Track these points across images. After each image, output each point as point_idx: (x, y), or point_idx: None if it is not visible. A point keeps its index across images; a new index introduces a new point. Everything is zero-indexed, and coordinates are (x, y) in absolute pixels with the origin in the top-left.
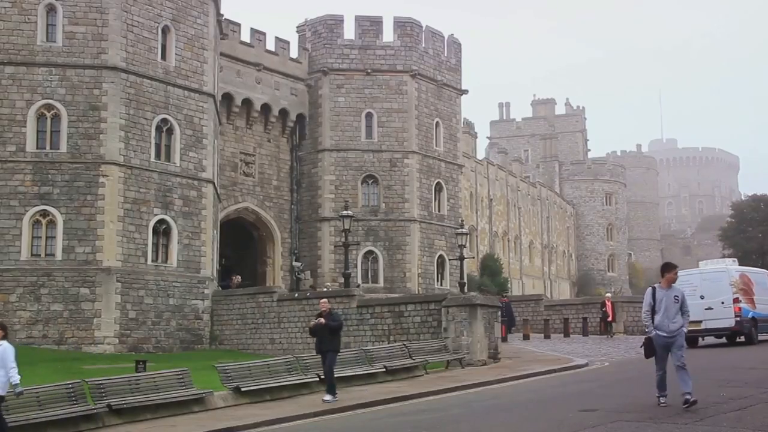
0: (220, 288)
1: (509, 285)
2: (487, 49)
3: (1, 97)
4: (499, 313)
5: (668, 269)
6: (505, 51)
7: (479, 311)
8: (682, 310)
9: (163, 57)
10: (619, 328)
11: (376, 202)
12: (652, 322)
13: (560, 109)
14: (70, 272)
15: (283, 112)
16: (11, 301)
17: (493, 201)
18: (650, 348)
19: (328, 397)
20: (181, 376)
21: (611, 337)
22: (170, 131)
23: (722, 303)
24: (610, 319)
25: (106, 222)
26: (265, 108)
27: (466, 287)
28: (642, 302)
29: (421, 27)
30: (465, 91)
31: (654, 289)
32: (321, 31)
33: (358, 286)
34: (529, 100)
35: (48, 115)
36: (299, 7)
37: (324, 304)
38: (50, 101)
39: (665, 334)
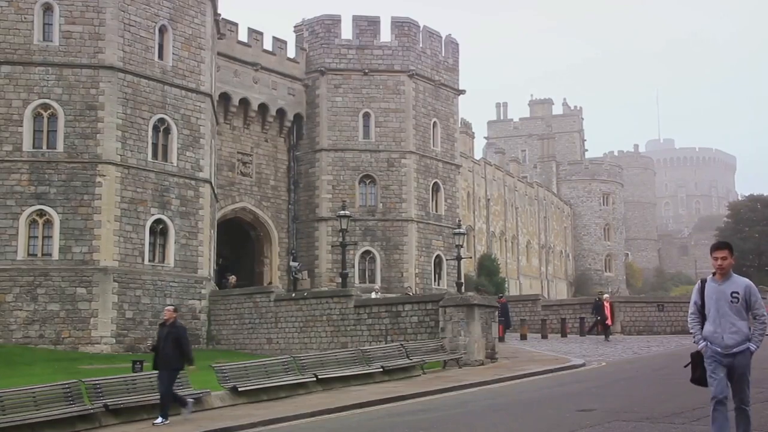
0: (217, 288)
1: (506, 285)
2: (484, 48)
3: None
4: (497, 313)
5: (713, 249)
6: (503, 51)
7: (476, 311)
8: (753, 313)
9: (161, 56)
10: (617, 328)
11: (374, 202)
12: (701, 330)
13: (557, 109)
14: (66, 272)
15: (281, 112)
16: (8, 301)
17: (491, 201)
18: (699, 369)
19: (158, 420)
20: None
21: (608, 339)
22: (167, 131)
23: None
24: (608, 322)
25: (103, 222)
26: (263, 108)
27: (463, 287)
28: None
29: (419, 27)
30: (462, 91)
31: (703, 282)
32: (318, 30)
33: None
34: (527, 100)
35: (45, 114)
36: (297, 6)
37: (168, 312)
38: (47, 101)
39: (720, 349)
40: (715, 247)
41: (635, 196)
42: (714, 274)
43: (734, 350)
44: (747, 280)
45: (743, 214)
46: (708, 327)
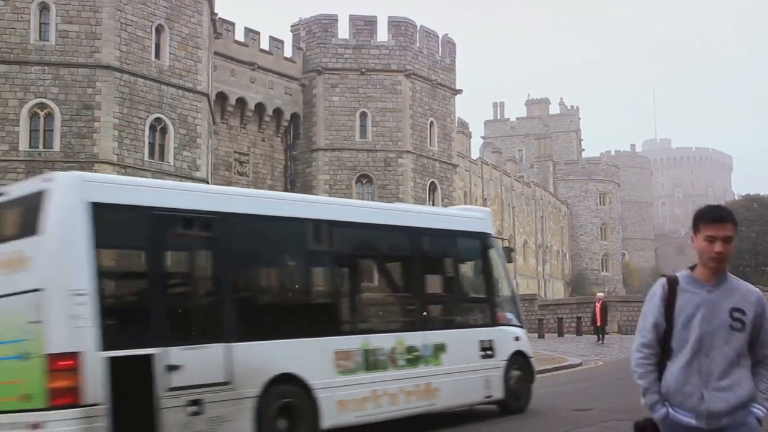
0: None
1: None
2: (482, 48)
3: None
4: None
5: (706, 220)
6: (500, 50)
7: None
8: (765, 352)
9: (157, 56)
10: (613, 327)
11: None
12: (658, 381)
13: (554, 109)
14: None
15: (278, 112)
16: None
17: (488, 201)
18: None
19: None
20: None
21: (601, 342)
22: (164, 130)
23: None
24: (598, 323)
25: None
26: (260, 107)
27: None
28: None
29: (416, 26)
30: (459, 91)
31: (672, 285)
32: (315, 30)
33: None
34: (524, 99)
35: (41, 114)
36: (294, 6)
37: None
38: (43, 100)
39: (693, 421)
40: (713, 218)
41: (632, 195)
42: (692, 268)
43: (723, 422)
44: (756, 289)
45: (740, 213)
46: (673, 374)
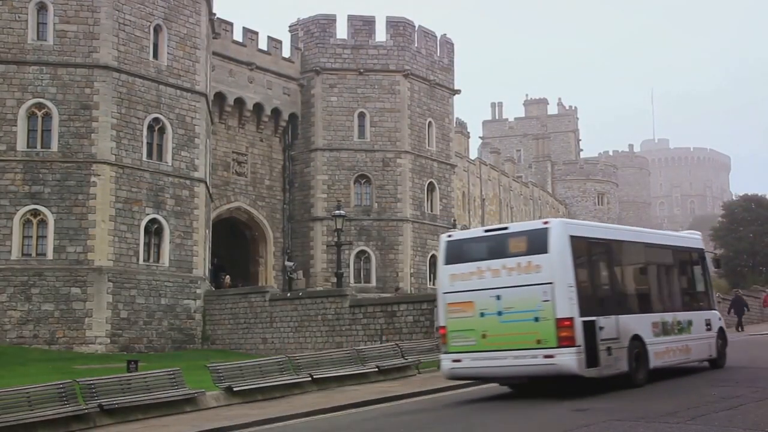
0: (212, 288)
1: None
2: (480, 48)
3: None
4: None
5: None
6: (498, 50)
7: None
8: None
9: (155, 56)
10: None
11: (369, 202)
12: None
13: (552, 109)
14: (61, 272)
15: (276, 112)
16: (2, 301)
17: (486, 201)
18: None
19: None
20: (172, 376)
21: None
22: (162, 130)
23: None
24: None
25: (98, 221)
26: (258, 107)
27: None
28: None
29: (414, 27)
30: (457, 91)
31: None
32: (313, 30)
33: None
34: (522, 99)
35: (39, 114)
36: (292, 6)
37: None
38: (41, 100)
39: None
40: None
41: (630, 195)
42: None
43: None
44: None
45: (737, 213)
46: None
